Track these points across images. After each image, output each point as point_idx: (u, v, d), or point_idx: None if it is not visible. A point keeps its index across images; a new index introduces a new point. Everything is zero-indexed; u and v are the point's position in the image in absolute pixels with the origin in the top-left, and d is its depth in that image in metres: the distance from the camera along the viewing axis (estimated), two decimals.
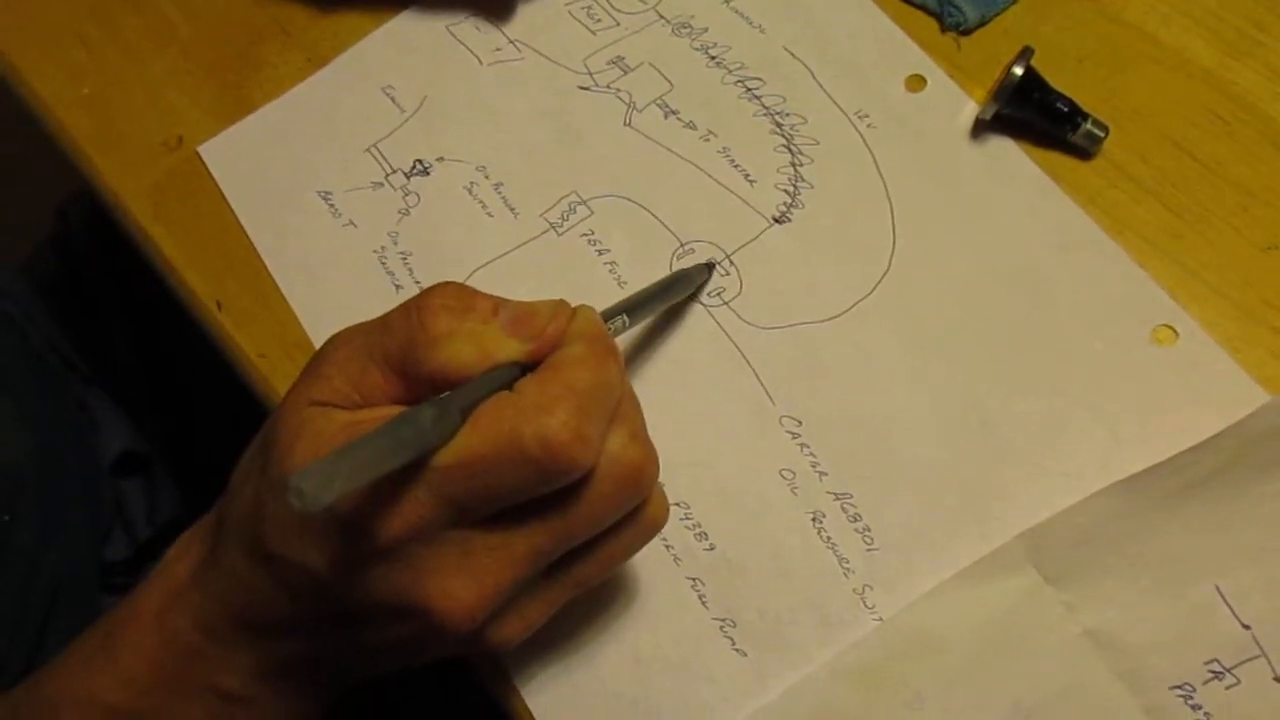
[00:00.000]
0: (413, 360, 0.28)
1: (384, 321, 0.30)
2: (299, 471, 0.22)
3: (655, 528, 0.32)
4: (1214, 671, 0.33)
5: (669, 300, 0.38)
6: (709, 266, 0.40)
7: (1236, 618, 0.33)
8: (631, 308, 0.34)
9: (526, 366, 0.29)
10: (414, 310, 0.29)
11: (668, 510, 0.32)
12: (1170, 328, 0.37)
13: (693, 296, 0.40)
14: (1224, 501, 0.34)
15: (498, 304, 0.30)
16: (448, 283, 0.30)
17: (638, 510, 0.31)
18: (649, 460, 0.30)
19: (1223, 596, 0.34)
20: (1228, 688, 0.33)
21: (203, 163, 0.46)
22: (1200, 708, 0.33)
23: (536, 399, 0.27)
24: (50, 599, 0.51)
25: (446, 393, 0.28)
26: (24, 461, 0.50)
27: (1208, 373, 0.37)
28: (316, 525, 0.28)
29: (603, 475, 0.28)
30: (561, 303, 0.31)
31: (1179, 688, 0.33)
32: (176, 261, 0.45)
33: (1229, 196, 0.39)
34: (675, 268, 0.41)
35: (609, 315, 0.33)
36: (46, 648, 0.49)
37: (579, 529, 0.29)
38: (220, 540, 0.31)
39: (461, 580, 0.27)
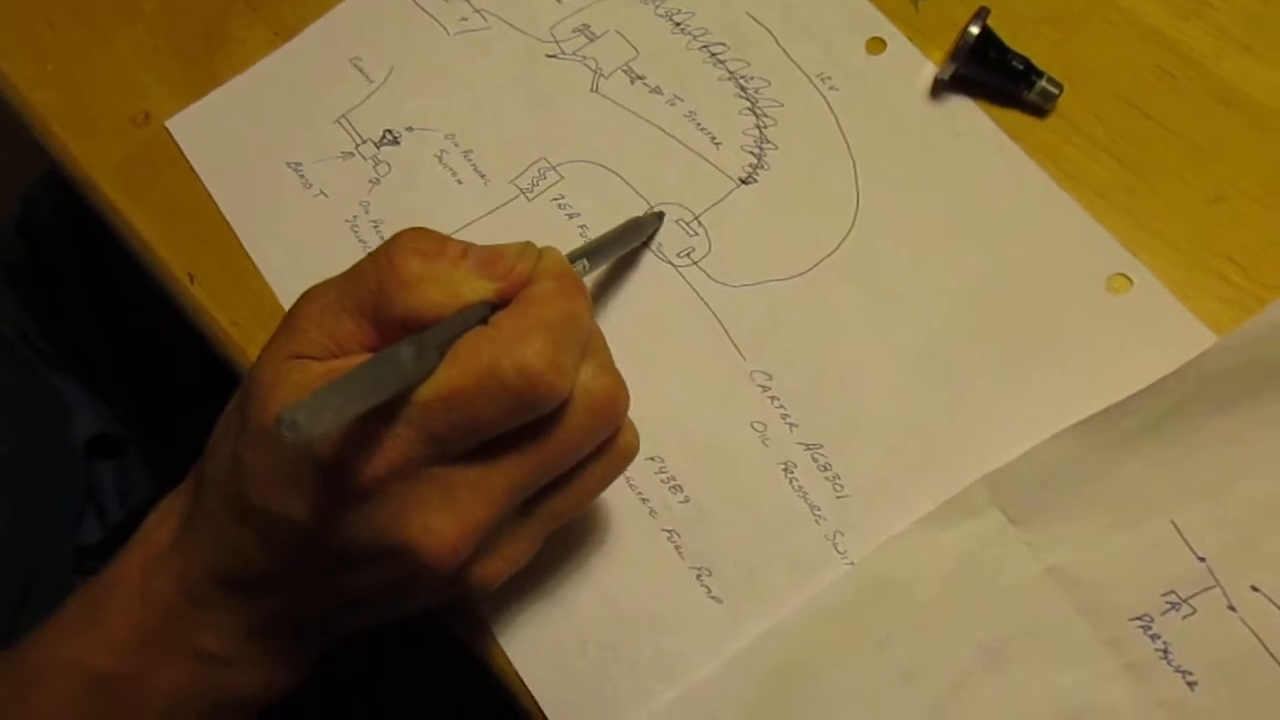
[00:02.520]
0: (384, 304, 0.29)
1: (355, 271, 0.30)
2: (290, 405, 0.23)
3: (628, 457, 0.32)
4: (1171, 603, 0.34)
5: (625, 247, 0.40)
6: (659, 215, 0.41)
7: (1192, 551, 0.35)
8: (590, 253, 0.35)
9: (497, 306, 0.30)
10: (384, 256, 0.29)
11: (639, 439, 0.33)
12: (1124, 276, 0.39)
13: (646, 243, 0.41)
14: (1177, 440, 0.35)
15: (466, 248, 0.30)
16: (417, 228, 0.30)
17: (610, 441, 0.31)
18: (620, 389, 0.31)
19: (1178, 531, 0.35)
20: (1184, 617, 0.34)
21: (172, 138, 0.46)
22: (1159, 637, 0.34)
23: (512, 331, 0.28)
24: (25, 581, 0.51)
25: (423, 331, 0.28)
26: None
27: (1160, 319, 0.38)
28: (297, 472, 0.28)
29: (577, 406, 0.29)
30: (529, 244, 0.31)
31: (1138, 619, 0.35)
32: (148, 237, 0.45)
33: (1177, 151, 0.40)
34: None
35: (571, 259, 0.33)
36: (20, 630, 0.49)
37: (556, 460, 0.30)
38: (200, 501, 0.32)
39: (443, 517, 0.28)
